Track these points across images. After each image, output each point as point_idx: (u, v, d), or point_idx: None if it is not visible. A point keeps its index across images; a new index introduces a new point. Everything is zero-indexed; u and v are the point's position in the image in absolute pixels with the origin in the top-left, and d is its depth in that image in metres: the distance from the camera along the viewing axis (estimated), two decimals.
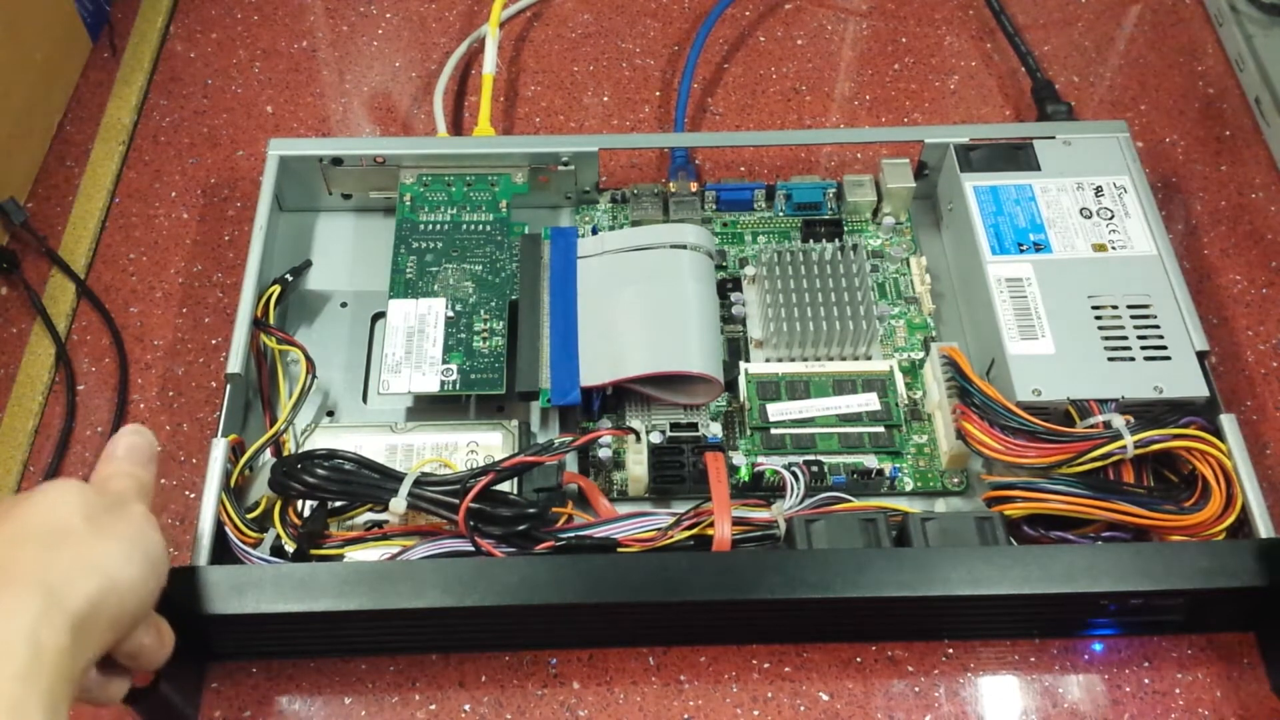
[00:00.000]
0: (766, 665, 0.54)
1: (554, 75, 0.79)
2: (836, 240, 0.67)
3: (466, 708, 0.53)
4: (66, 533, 0.40)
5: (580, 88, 0.78)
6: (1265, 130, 0.75)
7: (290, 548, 0.53)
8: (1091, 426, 0.55)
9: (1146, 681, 0.54)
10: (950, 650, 0.55)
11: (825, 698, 0.53)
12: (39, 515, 0.41)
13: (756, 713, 0.53)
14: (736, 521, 0.53)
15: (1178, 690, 0.54)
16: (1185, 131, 0.76)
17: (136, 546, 0.42)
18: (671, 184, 0.68)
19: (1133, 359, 0.57)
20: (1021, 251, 0.61)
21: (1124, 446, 0.53)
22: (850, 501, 0.55)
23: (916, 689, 0.54)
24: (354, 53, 0.80)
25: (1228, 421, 0.56)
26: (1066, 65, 0.80)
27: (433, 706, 0.53)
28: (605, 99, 0.78)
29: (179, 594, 0.48)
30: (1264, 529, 0.53)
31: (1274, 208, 0.72)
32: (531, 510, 0.52)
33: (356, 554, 0.53)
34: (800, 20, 0.83)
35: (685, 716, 0.53)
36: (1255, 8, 0.78)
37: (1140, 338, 0.58)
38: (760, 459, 0.58)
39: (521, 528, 0.52)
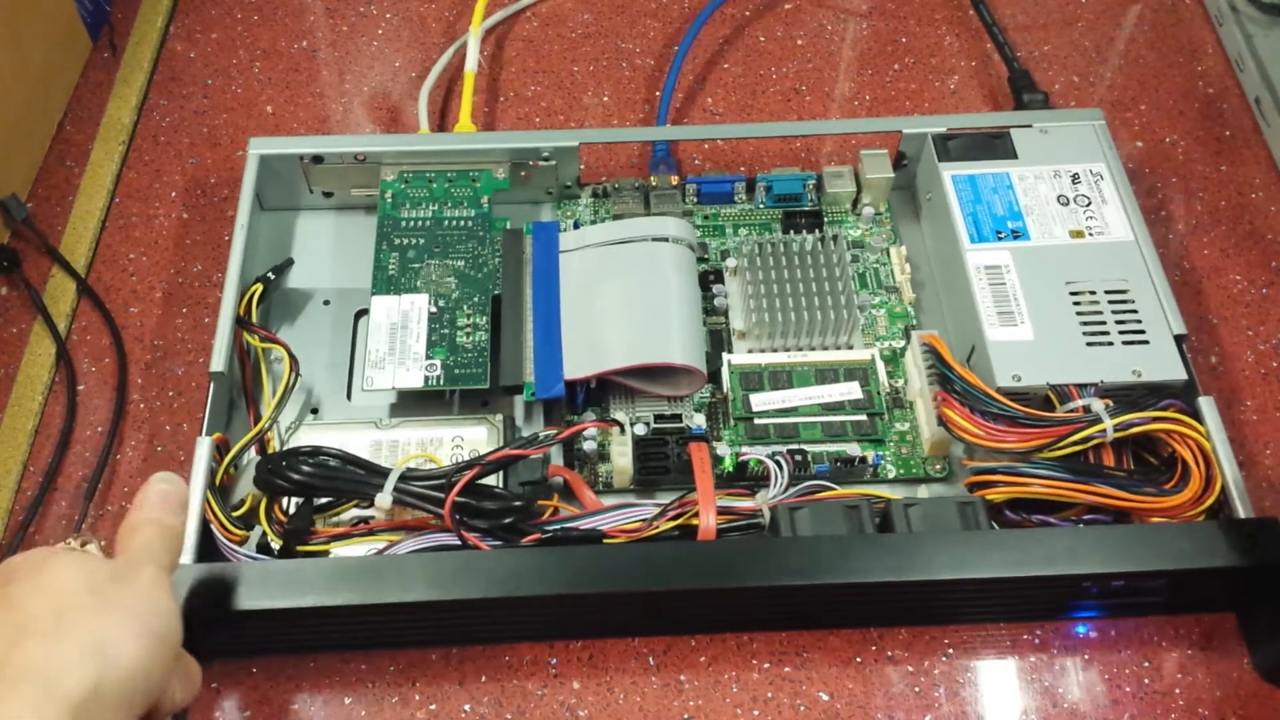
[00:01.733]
0: (766, 665, 0.55)
1: (554, 75, 0.79)
2: (817, 231, 0.67)
3: (466, 707, 0.53)
4: (68, 614, 0.39)
5: (580, 88, 0.79)
6: (1265, 130, 0.75)
7: (276, 545, 0.53)
8: (1071, 411, 0.55)
9: (1146, 681, 0.54)
10: (950, 650, 0.55)
11: (825, 698, 0.54)
12: (40, 600, 0.40)
13: (756, 713, 0.53)
14: (721, 511, 0.53)
15: (1178, 690, 0.54)
16: (1185, 131, 0.76)
17: (140, 620, 0.40)
18: (652, 178, 0.68)
19: (1111, 344, 0.58)
20: (1000, 239, 0.62)
21: (1104, 430, 0.54)
22: (834, 489, 0.55)
23: (916, 689, 0.54)
24: (354, 53, 0.80)
25: (1206, 404, 0.56)
26: (1066, 65, 0.80)
27: (433, 706, 0.53)
28: (605, 99, 0.78)
29: None
30: (1243, 510, 0.54)
31: (1274, 208, 0.72)
32: (517, 503, 0.53)
33: (343, 550, 0.53)
34: (800, 20, 0.83)
35: (685, 716, 0.53)
36: (1255, 8, 0.78)
37: (1118, 322, 0.59)
38: (744, 449, 0.58)
39: (507, 521, 0.52)
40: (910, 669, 0.55)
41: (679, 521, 0.53)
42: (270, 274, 0.64)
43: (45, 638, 0.38)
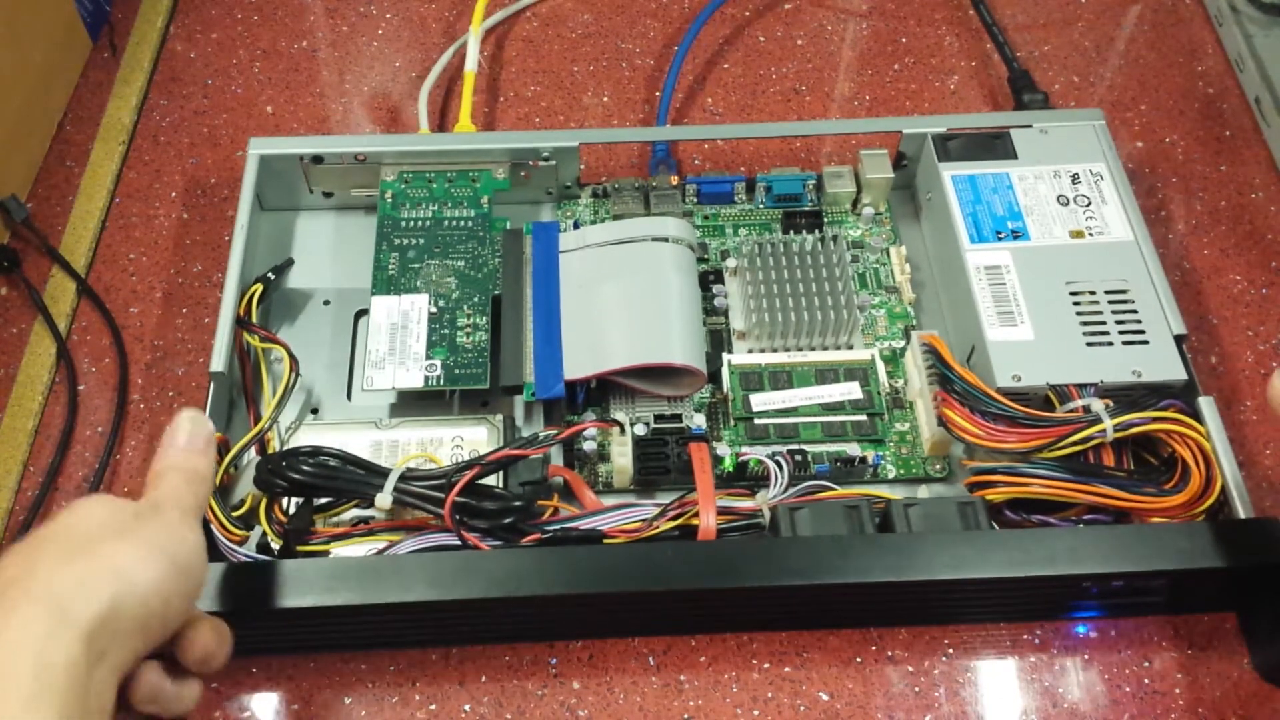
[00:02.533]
0: (766, 665, 0.55)
1: (554, 75, 0.79)
2: (817, 231, 0.67)
3: (466, 708, 0.53)
4: (84, 542, 0.39)
5: (580, 88, 0.79)
6: (1265, 130, 0.75)
7: (276, 545, 0.53)
8: (1071, 411, 0.55)
9: (1146, 681, 0.54)
10: (950, 650, 0.55)
11: (825, 698, 0.54)
12: (59, 529, 0.40)
13: (756, 713, 0.53)
14: (721, 511, 0.53)
15: (1178, 690, 0.54)
16: (1185, 131, 0.76)
17: (157, 548, 0.40)
18: (652, 178, 0.68)
19: (1111, 344, 0.58)
20: (1000, 239, 0.62)
21: (1103, 430, 0.54)
22: (834, 489, 0.55)
23: (916, 689, 0.54)
24: (354, 53, 0.80)
25: (1206, 404, 0.56)
26: (1066, 65, 0.80)
27: (433, 706, 0.53)
28: (605, 99, 0.78)
29: None
30: (1243, 510, 0.54)
31: (1274, 208, 0.72)
32: (517, 503, 0.53)
33: (343, 550, 0.53)
34: (800, 20, 0.83)
35: (685, 716, 0.53)
36: (1255, 8, 0.78)
37: (1118, 322, 0.59)
38: (744, 449, 0.58)
39: (507, 521, 0.52)
40: (910, 669, 0.54)
41: (679, 521, 0.53)
42: (270, 274, 0.64)
43: (58, 561, 0.38)
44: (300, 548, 0.53)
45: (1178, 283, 0.67)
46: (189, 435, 0.46)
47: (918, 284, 0.66)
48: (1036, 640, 0.55)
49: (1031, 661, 0.55)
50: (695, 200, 0.69)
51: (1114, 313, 0.59)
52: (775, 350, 0.62)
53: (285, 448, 0.56)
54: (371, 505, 0.53)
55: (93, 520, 0.40)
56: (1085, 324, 0.59)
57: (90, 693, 0.37)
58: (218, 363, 0.58)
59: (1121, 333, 0.58)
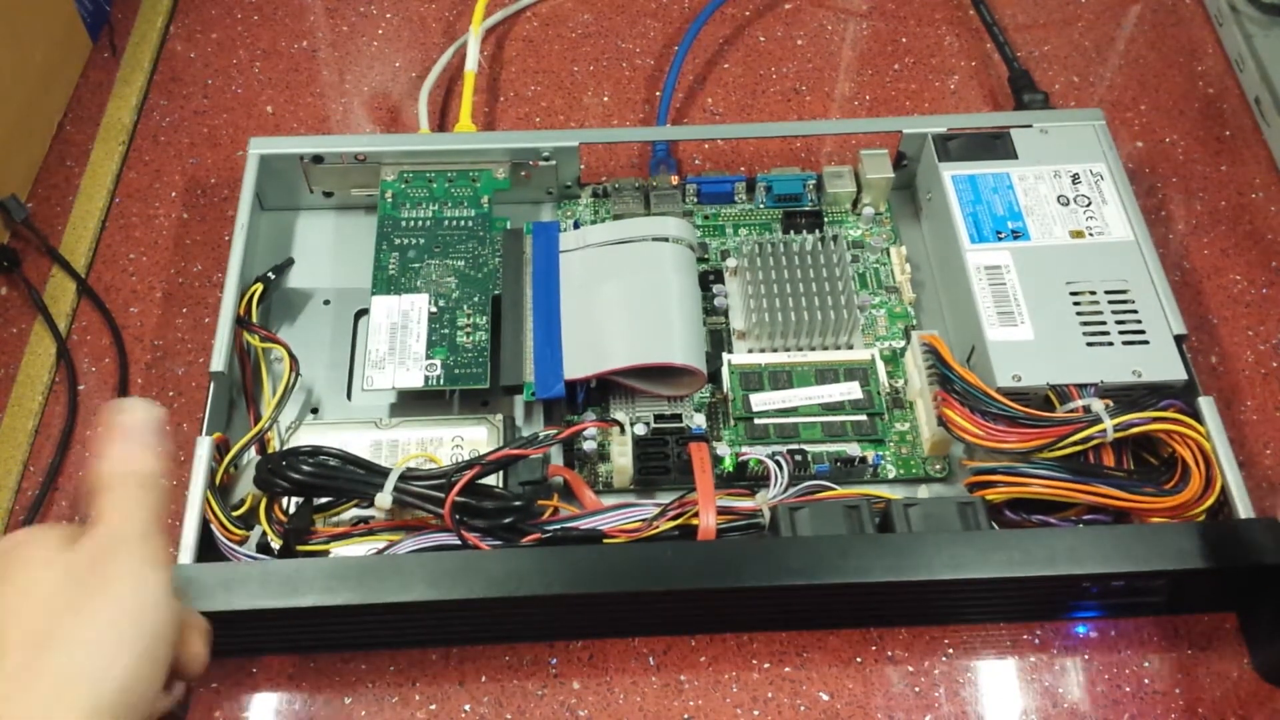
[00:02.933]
0: (766, 665, 0.55)
1: (554, 75, 0.79)
2: (817, 231, 0.67)
3: (466, 708, 0.53)
4: (42, 638, 0.35)
5: (580, 88, 0.79)
6: (1265, 130, 0.75)
7: (276, 544, 0.53)
8: (1071, 411, 0.55)
9: (1146, 681, 0.54)
10: (950, 650, 0.55)
11: (825, 698, 0.54)
12: (13, 619, 0.35)
13: (756, 713, 0.53)
14: (721, 511, 0.53)
15: (1178, 690, 0.54)
16: (1185, 131, 0.76)
17: (125, 624, 0.36)
18: (652, 178, 0.68)
19: (1111, 344, 0.58)
20: (1000, 239, 0.62)
21: (1104, 430, 0.54)
22: (834, 489, 0.55)
23: (916, 689, 0.54)
24: (354, 53, 0.80)
25: (1206, 404, 0.56)
26: (1066, 65, 0.80)
27: (433, 706, 0.53)
28: (605, 99, 0.78)
29: None
30: (1243, 510, 0.54)
31: (1274, 208, 0.72)
32: (517, 503, 0.53)
33: (343, 550, 0.53)
34: (800, 20, 0.83)
35: (685, 716, 0.53)
36: (1255, 8, 0.78)
37: (1119, 323, 0.59)
38: (744, 449, 0.58)
39: (507, 520, 0.52)
40: (910, 669, 0.54)
41: (679, 521, 0.53)
42: (270, 274, 0.64)
43: (20, 673, 0.34)
44: (300, 547, 0.53)
45: (1178, 283, 0.67)
46: (131, 426, 0.40)
47: (918, 284, 0.66)
48: (1036, 640, 0.55)
49: (1031, 661, 0.55)
50: (695, 200, 0.69)
51: (1114, 313, 0.59)
52: (775, 350, 0.62)
53: (285, 447, 0.56)
54: (371, 505, 0.53)
55: (44, 593, 0.36)
56: (1085, 324, 0.59)
57: None
58: (218, 363, 0.58)
59: (1121, 333, 0.58)
